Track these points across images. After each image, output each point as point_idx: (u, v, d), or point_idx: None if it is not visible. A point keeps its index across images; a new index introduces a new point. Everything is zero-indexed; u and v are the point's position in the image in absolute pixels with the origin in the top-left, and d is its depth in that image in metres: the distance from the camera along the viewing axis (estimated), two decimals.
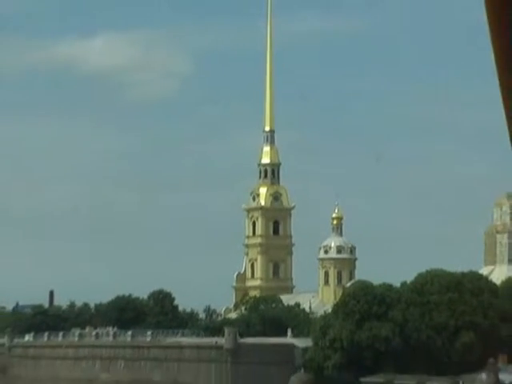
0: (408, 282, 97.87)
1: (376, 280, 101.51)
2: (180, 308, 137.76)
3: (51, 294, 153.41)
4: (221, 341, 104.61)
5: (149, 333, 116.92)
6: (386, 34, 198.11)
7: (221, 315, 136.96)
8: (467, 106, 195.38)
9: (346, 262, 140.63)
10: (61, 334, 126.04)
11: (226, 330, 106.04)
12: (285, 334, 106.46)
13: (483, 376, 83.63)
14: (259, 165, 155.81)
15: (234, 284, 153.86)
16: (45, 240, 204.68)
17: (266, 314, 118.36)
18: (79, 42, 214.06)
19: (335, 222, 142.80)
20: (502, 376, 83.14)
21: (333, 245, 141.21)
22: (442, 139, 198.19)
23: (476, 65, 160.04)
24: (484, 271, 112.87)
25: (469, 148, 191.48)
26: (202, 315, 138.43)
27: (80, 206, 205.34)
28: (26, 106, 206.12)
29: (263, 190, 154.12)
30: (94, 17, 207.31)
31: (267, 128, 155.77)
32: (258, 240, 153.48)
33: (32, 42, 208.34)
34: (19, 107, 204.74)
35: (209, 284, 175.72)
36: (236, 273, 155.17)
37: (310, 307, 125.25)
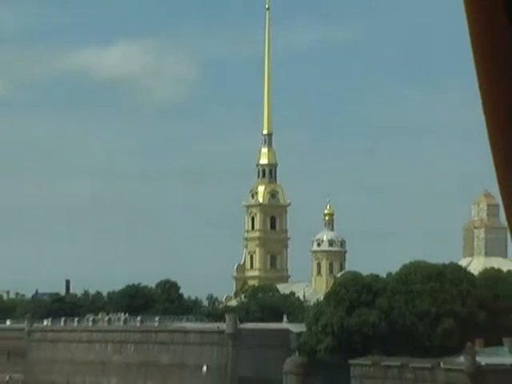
0: (393, 272, 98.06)
1: (364, 271, 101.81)
2: (185, 296, 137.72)
3: (67, 282, 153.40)
4: (222, 326, 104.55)
5: (156, 318, 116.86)
6: (377, 40, 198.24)
7: (222, 303, 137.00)
8: (450, 111, 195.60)
9: (337, 255, 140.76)
10: (76, 319, 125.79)
11: (227, 316, 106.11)
12: (281, 320, 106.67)
13: (462, 359, 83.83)
14: (258, 165, 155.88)
15: (235, 274, 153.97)
16: (62, 233, 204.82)
17: (264, 302, 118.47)
18: (97, 50, 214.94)
19: (327, 217, 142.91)
20: (479, 358, 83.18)
21: (325, 238, 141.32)
22: (426, 142, 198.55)
23: (464, 72, 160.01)
24: (463, 263, 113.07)
25: (450, 150, 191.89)
26: (205, 303, 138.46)
27: (95, 201, 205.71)
28: (50, 108, 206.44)
29: (261, 189, 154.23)
30: (110, 28, 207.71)
31: (265, 131, 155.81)
32: (257, 234, 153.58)
33: (55, 51, 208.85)
34: (44, 109, 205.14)
35: (211, 274, 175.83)
36: (236, 264, 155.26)
37: (304, 295, 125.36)
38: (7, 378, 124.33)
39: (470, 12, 0.99)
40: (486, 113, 0.99)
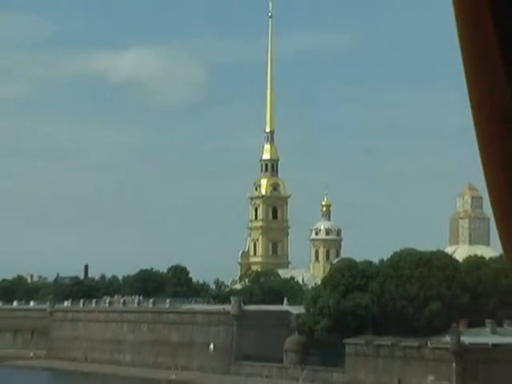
0: (385, 259, 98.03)
1: (358, 257, 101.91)
2: (194, 280, 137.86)
3: (86, 267, 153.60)
4: (228, 308, 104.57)
5: (167, 300, 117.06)
6: (369, 49, 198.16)
7: (228, 286, 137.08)
8: (438, 113, 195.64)
9: (333, 243, 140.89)
10: (94, 301, 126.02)
11: (232, 299, 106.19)
12: (281, 302, 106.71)
13: (447, 338, 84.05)
14: (261, 160, 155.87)
15: (239, 260, 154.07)
16: (81, 222, 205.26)
17: (266, 286, 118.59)
18: (113, 55, 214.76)
19: (324, 208, 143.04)
20: (463, 338, 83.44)
21: (322, 228, 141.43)
22: (416, 140, 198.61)
23: (451, 77, 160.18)
24: (449, 250, 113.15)
25: (438, 147, 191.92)
26: (212, 286, 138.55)
27: (111, 194, 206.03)
28: (69, 108, 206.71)
29: (264, 182, 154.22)
30: (125, 34, 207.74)
31: (268, 129, 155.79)
32: (260, 223, 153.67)
33: (74, 56, 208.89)
34: (64, 109, 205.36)
35: (218, 260, 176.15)
36: (241, 251, 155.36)
37: (303, 280, 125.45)
38: (31, 354, 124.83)
39: (457, 15, 0.95)
40: (473, 112, 0.95)
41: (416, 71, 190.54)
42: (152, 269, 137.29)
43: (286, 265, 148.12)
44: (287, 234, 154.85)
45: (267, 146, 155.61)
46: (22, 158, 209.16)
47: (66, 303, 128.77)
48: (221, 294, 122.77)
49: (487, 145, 0.96)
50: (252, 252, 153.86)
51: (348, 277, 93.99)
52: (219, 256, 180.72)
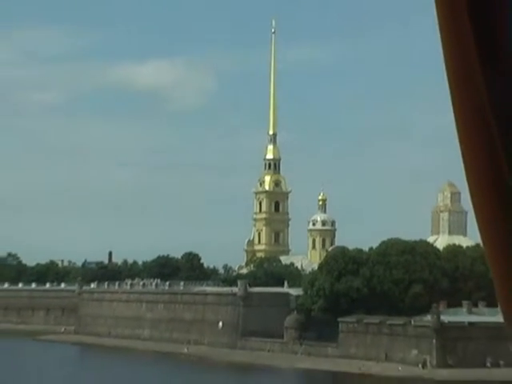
0: (374, 247, 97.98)
1: (350, 246, 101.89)
2: (205, 265, 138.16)
3: (110, 253, 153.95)
4: (235, 290, 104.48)
5: (181, 283, 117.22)
6: (359, 61, 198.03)
7: (235, 271, 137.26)
8: (423, 117, 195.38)
9: (329, 232, 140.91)
10: (117, 283, 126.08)
11: (239, 282, 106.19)
12: (282, 285, 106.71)
13: (428, 317, 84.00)
14: (264, 159, 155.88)
15: (245, 248, 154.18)
16: (106, 213, 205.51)
17: (269, 270, 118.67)
18: (135, 66, 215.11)
19: (320, 202, 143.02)
20: (443, 317, 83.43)
21: (318, 219, 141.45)
22: (403, 141, 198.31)
23: (433, 89, 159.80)
24: (430, 239, 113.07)
25: (422, 147, 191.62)
26: (221, 271, 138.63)
27: (133, 188, 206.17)
28: (96, 113, 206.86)
29: (267, 178, 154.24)
30: (145, 48, 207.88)
31: (271, 131, 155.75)
32: (263, 215, 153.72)
33: (101, 66, 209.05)
34: (91, 113, 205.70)
35: (226, 247, 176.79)
36: (247, 239, 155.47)
37: (302, 265, 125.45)
38: (63, 329, 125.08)
39: (440, 23, 0.88)
40: (455, 114, 0.89)
41: (402, 81, 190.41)
42: (168, 255, 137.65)
43: (286, 252, 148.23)
44: (288, 225, 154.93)
45: (270, 147, 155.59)
46: (54, 155, 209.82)
47: (92, 285, 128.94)
48: (229, 278, 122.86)
49: (468, 146, 0.87)
50: (257, 241, 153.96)
51: (341, 263, 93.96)
52: (228, 244, 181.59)
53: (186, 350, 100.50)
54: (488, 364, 78.75)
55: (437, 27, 0.86)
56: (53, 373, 79.19)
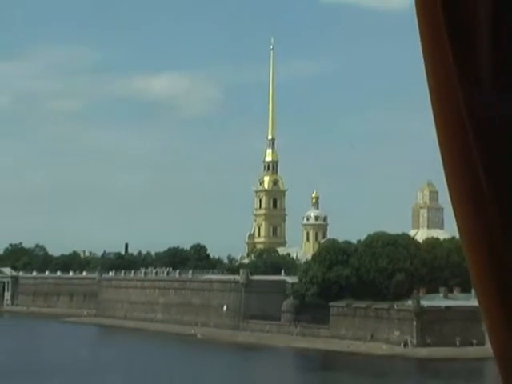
0: (361, 239, 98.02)
1: (340, 238, 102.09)
2: (211, 256, 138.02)
3: (126, 245, 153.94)
4: (238, 277, 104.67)
5: (190, 272, 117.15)
6: (350, 73, 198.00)
7: (238, 261, 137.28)
8: (406, 123, 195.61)
9: (321, 227, 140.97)
10: (132, 271, 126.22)
11: (241, 271, 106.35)
12: (280, 274, 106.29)
13: (409, 302, 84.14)
14: (264, 161, 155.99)
15: (247, 240, 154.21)
16: (123, 209, 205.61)
17: (268, 260, 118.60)
18: (149, 78, 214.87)
19: (314, 200, 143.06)
20: (422, 302, 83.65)
21: (312, 215, 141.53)
22: (388, 144, 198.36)
23: (416, 99, 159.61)
24: (411, 233, 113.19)
25: (404, 151, 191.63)
26: (225, 261, 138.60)
27: (146, 187, 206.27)
28: (114, 120, 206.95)
29: (266, 178, 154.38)
30: (158, 62, 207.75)
31: (270, 137, 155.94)
32: (263, 211, 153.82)
33: (119, 78, 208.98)
34: (110, 120, 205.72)
35: (230, 240, 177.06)
36: (248, 233, 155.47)
37: (297, 256, 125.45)
38: (85, 312, 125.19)
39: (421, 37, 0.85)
40: (435, 118, 0.87)
41: (387, 91, 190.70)
42: (178, 247, 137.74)
43: (283, 244, 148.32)
44: (284, 220, 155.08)
45: (269, 150, 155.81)
46: (76, 158, 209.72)
47: (110, 273, 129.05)
48: (232, 267, 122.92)
49: (448, 149, 0.85)
50: (257, 234, 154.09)
51: (332, 254, 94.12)
52: (231, 237, 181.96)
53: (192, 331, 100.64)
54: (457, 343, 78.95)
55: (420, 46, 0.85)
56: (76, 349, 79.69)
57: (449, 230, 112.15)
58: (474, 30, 0.78)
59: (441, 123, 0.80)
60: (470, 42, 0.78)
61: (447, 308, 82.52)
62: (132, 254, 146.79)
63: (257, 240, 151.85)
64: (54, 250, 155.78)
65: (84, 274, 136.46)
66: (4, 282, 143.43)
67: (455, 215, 0.81)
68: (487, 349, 68.02)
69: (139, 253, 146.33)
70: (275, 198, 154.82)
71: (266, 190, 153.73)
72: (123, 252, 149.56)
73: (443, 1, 0.79)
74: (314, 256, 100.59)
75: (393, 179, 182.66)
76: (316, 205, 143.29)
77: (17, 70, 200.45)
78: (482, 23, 0.78)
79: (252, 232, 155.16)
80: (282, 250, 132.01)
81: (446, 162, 0.79)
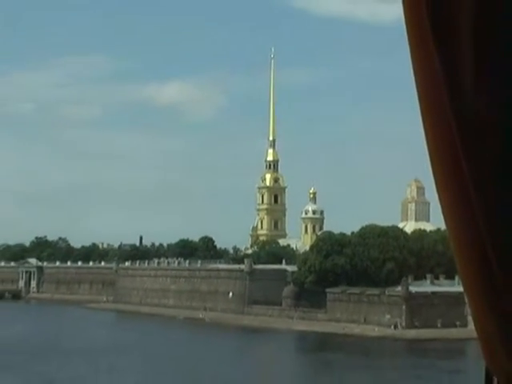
0: (355, 231, 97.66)
1: (336, 230, 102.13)
2: (218, 247, 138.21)
3: (141, 237, 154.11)
4: (242, 267, 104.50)
5: (199, 261, 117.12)
6: (343, 82, 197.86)
7: (242, 251, 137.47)
8: (395, 125, 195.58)
9: (318, 220, 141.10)
10: (146, 262, 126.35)
11: (245, 260, 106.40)
12: (281, 263, 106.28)
13: (399, 288, 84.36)
14: (265, 160, 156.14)
15: (250, 233, 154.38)
16: (138, 205, 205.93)
17: (270, 251, 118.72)
18: (159, 86, 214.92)
19: (311, 195, 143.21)
20: (410, 288, 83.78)
21: (310, 209, 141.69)
22: (379, 145, 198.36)
23: (405, 100, 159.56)
24: (401, 225, 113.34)
25: (395, 150, 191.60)
26: (231, 251, 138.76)
27: (158, 185, 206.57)
28: (128, 124, 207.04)
29: (268, 176, 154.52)
30: (167, 70, 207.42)
31: (271, 138, 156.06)
32: (265, 206, 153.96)
33: (131, 86, 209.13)
34: (124, 125, 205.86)
35: (235, 232, 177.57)
36: (251, 226, 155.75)
37: (296, 247, 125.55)
38: (104, 299, 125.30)
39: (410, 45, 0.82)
40: (423, 119, 0.83)
41: (381, 96, 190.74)
42: (188, 239, 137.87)
43: (283, 236, 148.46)
44: (285, 214, 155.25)
45: (270, 151, 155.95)
46: (93, 159, 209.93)
47: (126, 263, 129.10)
48: (237, 257, 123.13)
49: (436, 152, 0.81)
50: (259, 227, 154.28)
51: (328, 244, 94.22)
52: (236, 229, 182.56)
53: (200, 316, 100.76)
54: (439, 325, 79.13)
55: (408, 51, 0.83)
56: (96, 331, 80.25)
57: (435, 222, 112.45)
58: (458, 33, 0.76)
59: (428, 123, 0.79)
60: (454, 45, 0.76)
61: (433, 293, 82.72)
62: (146, 246, 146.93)
63: (259, 232, 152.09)
64: (76, 243, 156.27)
65: (102, 264, 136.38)
66: (30, 272, 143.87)
67: (442, 208, 0.81)
68: (470, 330, 68.52)
69: (152, 244, 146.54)
70: (276, 194, 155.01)
71: (267, 187, 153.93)
72: (138, 244, 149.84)
73: (429, 5, 0.76)
74: (311, 247, 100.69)
75: (383, 176, 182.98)
76: (313, 200, 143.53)
77: (41, 79, 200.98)
78: (465, 25, 0.76)
79: (255, 225, 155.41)
80: (282, 242, 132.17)
81: (434, 159, 0.79)
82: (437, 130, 0.79)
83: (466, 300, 0.81)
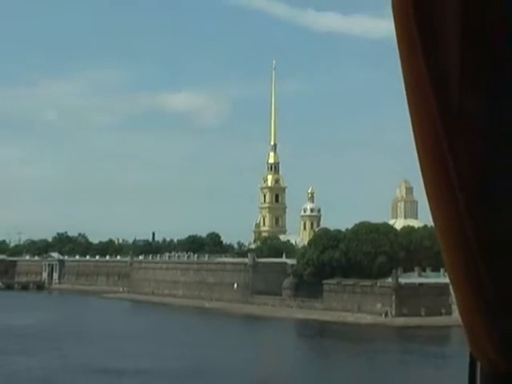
0: (349, 228, 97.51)
1: (332, 227, 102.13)
2: (224, 242, 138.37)
3: (153, 233, 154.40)
4: (246, 260, 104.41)
5: (206, 255, 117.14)
6: (337, 91, 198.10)
7: (246, 246, 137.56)
8: (387, 131, 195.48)
9: (315, 217, 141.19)
10: (158, 255, 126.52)
11: (249, 254, 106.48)
12: (281, 257, 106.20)
13: (389, 280, 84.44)
14: (267, 163, 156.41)
15: (254, 229, 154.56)
16: (151, 203, 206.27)
17: (271, 246, 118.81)
18: (171, 95, 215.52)
19: (309, 195, 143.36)
20: (400, 279, 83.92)
21: (308, 208, 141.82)
22: (372, 149, 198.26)
23: (394, 106, 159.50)
24: (391, 222, 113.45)
25: (386, 154, 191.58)
26: (236, 246, 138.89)
27: (169, 183, 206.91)
28: (143, 130, 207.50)
29: (270, 177, 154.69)
30: (178, 81, 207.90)
31: (272, 142, 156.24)
32: (267, 205, 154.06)
33: (147, 95, 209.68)
34: (140, 130, 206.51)
35: (240, 229, 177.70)
36: (255, 223, 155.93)
37: (295, 242, 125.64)
38: (121, 289, 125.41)
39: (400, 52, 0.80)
40: (412, 120, 0.81)
41: (373, 104, 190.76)
42: (196, 235, 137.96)
43: (284, 232, 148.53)
44: (285, 212, 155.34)
45: (272, 154, 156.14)
46: (112, 160, 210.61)
47: (140, 257, 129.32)
48: (241, 251, 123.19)
49: (425, 155, 0.79)
50: (262, 224, 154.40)
51: (325, 240, 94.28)
52: (241, 226, 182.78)
53: (206, 305, 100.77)
54: (422, 313, 79.19)
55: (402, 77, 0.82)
56: (113, 317, 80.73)
57: (422, 219, 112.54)
58: (443, 33, 0.74)
59: (416, 123, 0.77)
60: (440, 46, 0.74)
61: (421, 284, 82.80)
62: (158, 241, 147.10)
63: (262, 229, 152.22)
64: (94, 238, 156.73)
65: (118, 257, 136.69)
66: (53, 265, 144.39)
67: (429, 205, 0.78)
68: (454, 318, 68.70)
69: (164, 240, 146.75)
70: (277, 193, 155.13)
71: (269, 187, 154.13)
72: (151, 239, 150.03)
73: (415, 9, 0.75)
74: (309, 242, 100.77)
75: (375, 178, 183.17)
76: (311, 199, 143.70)
77: (64, 89, 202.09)
78: (451, 25, 0.74)
79: (258, 222, 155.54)
80: (283, 237, 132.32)
81: (422, 158, 0.76)
82: (424, 130, 0.77)
83: (452, 290, 0.81)
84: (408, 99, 0.77)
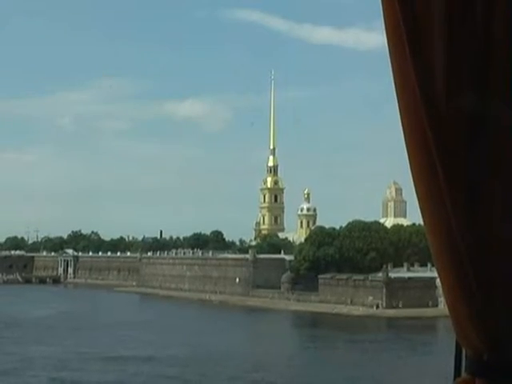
0: (343, 226, 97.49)
1: (327, 225, 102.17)
2: (227, 239, 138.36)
3: (161, 231, 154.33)
4: (247, 256, 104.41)
5: (210, 252, 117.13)
6: (334, 98, 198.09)
7: (247, 243, 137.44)
8: (378, 134, 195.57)
9: (312, 216, 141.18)
10: (166, 252, 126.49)
11: (250, 251, 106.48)
12: (280, 253, 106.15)
13: (380, 274, 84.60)
14: (267, 166, 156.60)
15: (254, 227, 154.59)
16: (159, 203, 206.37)
17: (270, 243, 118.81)
18: (177, 103, 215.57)
19: (306, 195, 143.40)
20: (390, 274, 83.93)
21: (305, 207, 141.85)
22: (364, 152, 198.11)
23: (385, 108, 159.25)
24: (382, 221, 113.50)
25: (377, 157, 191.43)
26: (238, 243, 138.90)
27: (175, 185, 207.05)
28: (151, 136, 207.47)
29: (269, 179, 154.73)
30: (184, 91, 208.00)
31: (271, 146, 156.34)
32: (266, 205, 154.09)
33: (154, 103, 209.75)
34: (148, 137, 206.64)
35: (242, 227, 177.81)
36: (255, 221, 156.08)
37: (293, 239, 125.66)
38: (131, 283, 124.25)
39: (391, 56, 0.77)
40: (401, 121, 0.76)
41: (366, 111, 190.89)
42: (201, 232, 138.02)
43: (282, 230, 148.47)
44: (283, 211, 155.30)
45: (271, 157, 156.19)
46: (123, 164, 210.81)
47: (149, 253, 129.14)
48: (243, 248, 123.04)
49: (415, 157, 0.76)
50: (262, 222, 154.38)
51: (320, 237, 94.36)
52: (242, 225, 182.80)
53: (209, 297, 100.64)
54: (414, 305, 79.22)
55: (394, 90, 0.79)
56: (124, 308, 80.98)
57: (410, 218, 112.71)
58: (430, 35, 0.72)
59: (407, 127, 0.75)
60: (427, 50, 0.72)
61: (409, 278, 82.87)
62: (165, 239, 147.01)
63: (262, 227, 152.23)
64: (106, 236, 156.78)
65: (128, 254, 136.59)
66: (68, 260, 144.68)
67: (419, 204, 0.76)
68: (440, 309, 68.90)
69: (171, 237, 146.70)
70: (276, 194, 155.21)
71: (268, 188, 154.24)
72: (159, 237, 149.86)
73: (402, 10, 0.74)
74: (306, 239, 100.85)
75: (367, 179, 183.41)
76: (308, 199, 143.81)
77: (76, 97, 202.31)
78: (436, 30, 0.72)
79: (258, 221, 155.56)
80: (281, 235, 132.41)
81: (411, 160, 0.75)
82: (413, 132, 0.76)
83: (440, 283, 0.81)
84: (398, 102, 0.76)
